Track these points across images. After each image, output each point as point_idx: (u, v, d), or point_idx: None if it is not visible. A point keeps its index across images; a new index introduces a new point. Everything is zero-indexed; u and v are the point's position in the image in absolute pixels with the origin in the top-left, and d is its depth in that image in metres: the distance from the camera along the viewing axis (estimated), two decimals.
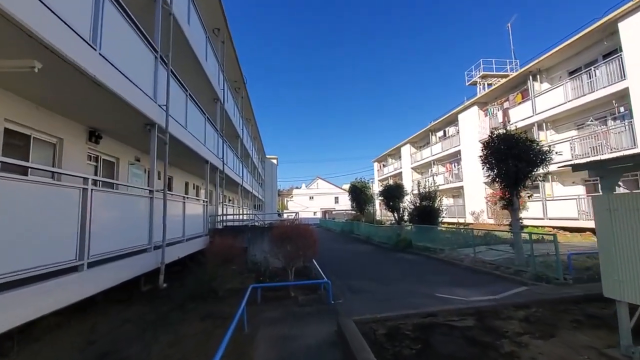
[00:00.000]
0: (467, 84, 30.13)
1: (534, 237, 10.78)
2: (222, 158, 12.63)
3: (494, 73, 28.09)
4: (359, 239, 22.06)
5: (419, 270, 9.64)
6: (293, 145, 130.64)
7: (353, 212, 29.93)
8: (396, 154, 39.39)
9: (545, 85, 17.96)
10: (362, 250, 16.01)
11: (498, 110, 20.77)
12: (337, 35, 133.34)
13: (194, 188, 15.44)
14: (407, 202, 17.66)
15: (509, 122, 19.70)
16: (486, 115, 22.01)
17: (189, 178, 14.66)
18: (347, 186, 57.22)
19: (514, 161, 7.68)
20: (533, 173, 8.14)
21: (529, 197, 12.28)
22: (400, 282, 7.92)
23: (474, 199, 22.86)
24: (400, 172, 36.05)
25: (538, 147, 8.12)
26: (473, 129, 23.00)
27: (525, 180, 8.18)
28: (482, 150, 8.86)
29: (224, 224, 12.50)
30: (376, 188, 38.96)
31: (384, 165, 43.55)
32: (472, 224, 21.42)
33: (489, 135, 8.74)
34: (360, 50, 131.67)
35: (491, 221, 20.70)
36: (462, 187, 24.44)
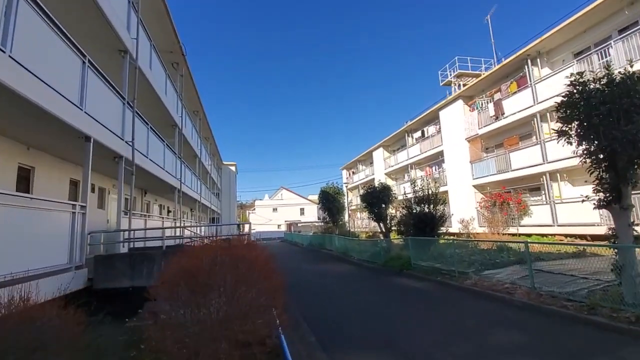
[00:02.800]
0: (441, 84, 28.04)
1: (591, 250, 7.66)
2: (132, 141, 8.15)
3: (470, 72, 26.18)
4: (332, 256, 18.07)
5: (456, 316, 5.82)
6: (254, 153, 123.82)
7: (322, 223, 26.04)
8: (367, 160, 36.36)
9: (546, 71, 15.62)
10: (343, 272, 12.02)
11: (488, 103, 18.27)
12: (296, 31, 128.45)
13: (93, 191, 10.53)
14: (395, 209, 14.09)
15: (502, 114, 17.18)
16: (473, 110, 19.47)
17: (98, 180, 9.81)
18: (313, 197, 53.30)
19: None
20: None
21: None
22: None
23: (460, 206, 19.98)
24: (372, 179, 32.88)
25: None
26: (458, 125, 20.37)
27: None
28: (560, 111, 5.28)
29: (132, 244, 7.92)
30: (347, 197, 35.51)
31: (353, 173, 40.35)
32: (459, 234, 18.40)
33: (572, 82, 5.14)
34: (325, 49, 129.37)
35: (483, 230, 17.82)
36: (445, 192, 21.56)
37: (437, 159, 23.22)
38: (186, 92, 15.99)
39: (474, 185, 19.10)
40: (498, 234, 16.00)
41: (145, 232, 9.47)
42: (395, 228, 13.60)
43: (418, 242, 10.53)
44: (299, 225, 53.26)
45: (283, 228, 56.03)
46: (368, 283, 9.47)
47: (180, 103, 14.35)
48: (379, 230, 14.40)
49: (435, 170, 23.62)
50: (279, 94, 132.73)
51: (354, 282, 9.75)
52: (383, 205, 13.31)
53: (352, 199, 36.42)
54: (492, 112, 17.78)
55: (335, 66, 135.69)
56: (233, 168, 38.12)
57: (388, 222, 13.45)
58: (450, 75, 26.80)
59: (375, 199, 13.23)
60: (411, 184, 12.20)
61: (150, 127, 10.09)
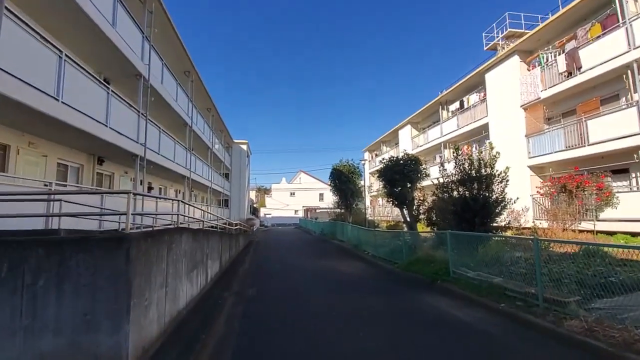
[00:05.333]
0: (485, 48, 23.14)
1: None
2: None
3: (524, 31, 21.10)
4: (342, 249, 14.64)
5: None
6: (273, 135, 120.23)
7: (337, 209, 22.56)
8: (392, 140, 32.20)
9: None
10: (348, 276, 8.55)
11: (556, 56, 13.70)
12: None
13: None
14: (423, 193, 10.30)
15: (578, 69, 12.64)
16: (533, 67, 14.92)
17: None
18: None
19: None
20: None
21: None
22: None
23: (510, 193, 15.70)
24: None
25: None
26: (511, 89, 15.89)
27: None
28: None
29: None
30: (367, 181, 31.74)
31: (376, 155, 36.31)
32: (508, 228, 14.19)
33: None
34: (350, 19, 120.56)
35: (540, 224, 13.56)
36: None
37: (479, 135, 18.84)
38: (161, 37, 12.77)
39: (529, 166, 14.76)
40: (571, 230, 11.82)
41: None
42: (424, 216, 9.86)
43: (462, 240, 6.80)
44: (317, 211, 50.21)
45: (300, 214, 53.26)
46: (381, 302, 5.93)
47: (148, 45, 11.16)
48: (403, 220, 10.69)
49: (476, 149, 19.26)
50: (302, 74, 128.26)
51: (360, 299, 6.24)
52: (408, 185, 9.57)
53: (374, 183, 32.66)
54: (562, 67, 13.25)
55: (361, 44, 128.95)
56: (244, 147, 35.18)
57: (415, 208, 9.73)
58: (498, 36, 22.01)
59: (398, 174, 9.45)
60: (454, 154, 8.40)
61: (68, 58, 6.88)
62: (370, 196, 32.98)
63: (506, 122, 16.23)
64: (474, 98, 19.45)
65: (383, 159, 11.78)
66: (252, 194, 55.58)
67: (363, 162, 19.39)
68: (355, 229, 14.71)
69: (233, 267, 9.64)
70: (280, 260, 11.80)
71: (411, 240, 9.17)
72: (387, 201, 10.17)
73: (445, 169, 8.54)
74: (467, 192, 7.48)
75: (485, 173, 7.44)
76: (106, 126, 8.51)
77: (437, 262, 7.29)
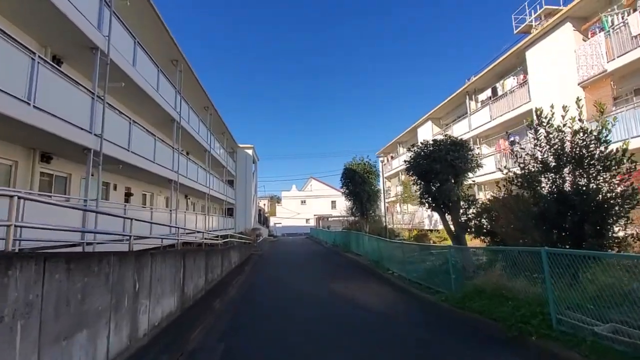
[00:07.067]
0: (515, 32, 20.28)
1: None
2: None
3: (561, 8, 18.15)
4: (359, 266, 11.83)
5: None
6: (281, 138, 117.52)
7: (351, 217, 19.73)
8: (410, 140, 29.23)
9: None
10: (373, 316, 5.74)
11: (627, 15, 10.74)
12: None
13: None
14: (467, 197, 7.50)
15: None
16: (593, 34, 11.95)
17: None
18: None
19: None
20: None
21: None
22: None
23: None
24: None
25: None
26: (562, 67, 12.94)
27: None
28: None
29: None
30: (381, 184, 28.79)
31: (392, 158, 33.38)
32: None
33: None
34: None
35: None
36: None
37: (518, 125, 15.80)
38: (136, 13, 10.54)
39: None
40: None
41: None
42: (474, 223, 6.97)
43: (564, 263, 3.92)
44: (329, 219, 47.26)
45: (312, 223, 50.40)
46: None
47: (109, 11, 8.83)
48: (444, 228, 7.82)
49: (518, 142, 16.18)
50: (313, 70, 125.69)
51: None
52: (452, 181, 6.73)
53: (391, 188, 29.79)
54: (635, 28, 10.30)
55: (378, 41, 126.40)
56: (250, 152, 32.86)
57: (462, 211, 6.87)
58: (531, 16, 19.17)
59: (439, 163, 6.57)
60: (537, 120, 5.60)
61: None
62: (387, 202, 30.03)
63: (557, 106, 13.21)
64: (510, 82, 16.47)
65: (413, 145, 9.03)
66: (262, 203, 53.26)
67: (381, 158, 16.60)
68: (374, 240, 11.90)
69: (207, 299, 6.97)
70: (279, 285, 9.08)
71: (460, 259, 6.33)
72: (421, 203, 7.35)
73: (523, 148, 5.76)
74: (561, 183, 4.63)
75: (595, 157, 4.50)
76: (29, 104, 6.10)
77: (519, 300, 4.44)
